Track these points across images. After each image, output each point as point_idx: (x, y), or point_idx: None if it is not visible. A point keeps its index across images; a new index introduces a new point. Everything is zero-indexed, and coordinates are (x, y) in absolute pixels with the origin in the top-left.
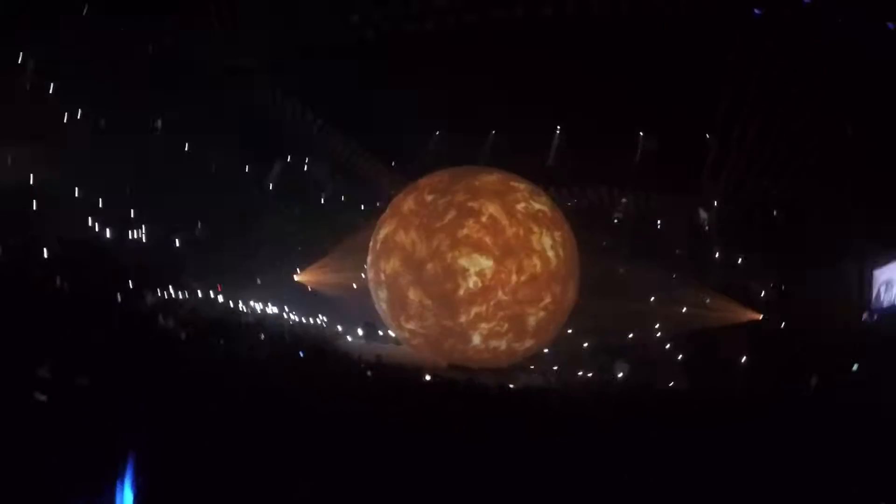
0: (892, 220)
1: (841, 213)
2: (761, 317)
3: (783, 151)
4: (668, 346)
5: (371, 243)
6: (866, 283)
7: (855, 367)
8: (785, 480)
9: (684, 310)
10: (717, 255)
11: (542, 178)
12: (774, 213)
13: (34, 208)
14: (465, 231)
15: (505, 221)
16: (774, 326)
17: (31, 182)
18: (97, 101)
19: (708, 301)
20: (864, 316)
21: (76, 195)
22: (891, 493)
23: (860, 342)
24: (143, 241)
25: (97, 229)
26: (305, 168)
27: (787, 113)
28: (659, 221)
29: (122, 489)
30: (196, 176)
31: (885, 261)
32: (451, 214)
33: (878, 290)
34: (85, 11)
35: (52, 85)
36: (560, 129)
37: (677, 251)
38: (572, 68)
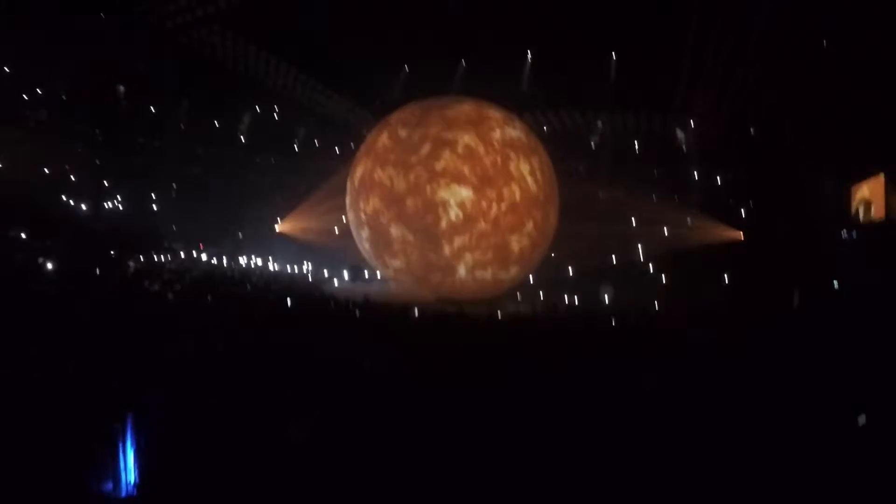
0: (870, 136)
1: (819, 129)
2: (742, 235)
3: (759, 68)
4: (650, 266)
5: (348, 184)
6: (845, 199)
7: (835, 284)
8: (770, 401)
9: (665, 231)
10: (695, 174)
11: (515, 105)
12: (752, 130)
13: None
14: (441, 163)
15: (481, 150)
16: (755, 244)
17: None
18: (54, 72)
19: (689, 221)
20: (843, 233)
21: (46, 172)
22: (867, 407)
23: (839, 259)
24: (119, 209)
25: (71, 203)
26: (275, 116)
27: (763, 28)
28: (636, 143)
29: (125, 455)
30: (164, 135)
31: (863, 177)
32: (427, 147)
33: (857, 208)
34: None
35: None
36: (531, 54)
37: (655, 172)
38: None
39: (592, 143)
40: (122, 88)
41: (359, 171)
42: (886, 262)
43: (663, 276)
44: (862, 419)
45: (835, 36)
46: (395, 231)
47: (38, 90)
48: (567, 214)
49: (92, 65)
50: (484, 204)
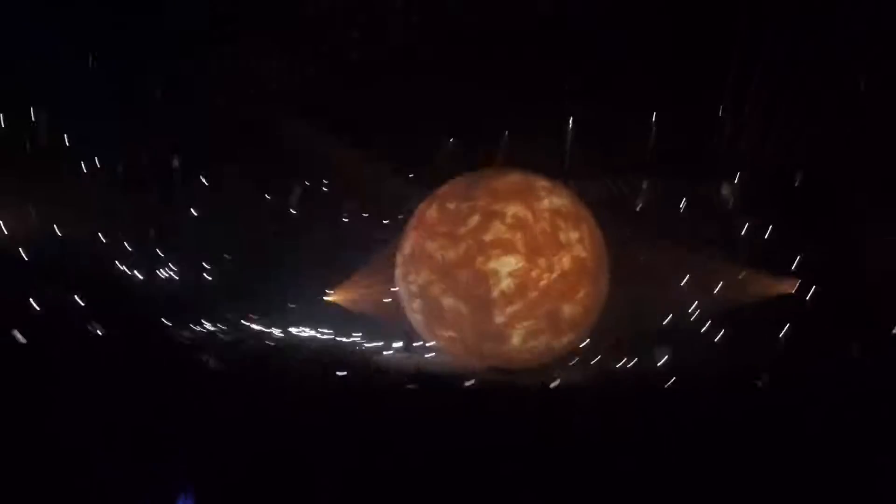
0: None
1: (867, 175)
2: (795, 288)
3: (800, 118)
4: (705, 326)
5: (398, 257)
6: None
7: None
8: (837, 451)
9: (717, 289)
10: (744, 230)
11: (560, 174)
12: (797, 181)
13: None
14: (491, 234)
15: (530, 220)
16: (810, 297)
17: (57, 231)
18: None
19: (741, 277)
20: None
21: (102, 239)
22: None
23: None
24: (174, 277)
25: (127, 271)
26: (324, 188)
27: (800, 79)
28: (682, 203)
29: None
30: (216, 206)
31: None
32: (476, 219)
33: None
34: None
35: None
36: (572, 122)
37: (703, 231)
38: (578, 56)
39: (638, 207)
40: (177, 161)
41: (408, 244)
42: None
43: (717, 334)
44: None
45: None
46: (445, 302)
47: (96, 161)
48: (618, 279)
49: (149, 138)
50: (534, 273)
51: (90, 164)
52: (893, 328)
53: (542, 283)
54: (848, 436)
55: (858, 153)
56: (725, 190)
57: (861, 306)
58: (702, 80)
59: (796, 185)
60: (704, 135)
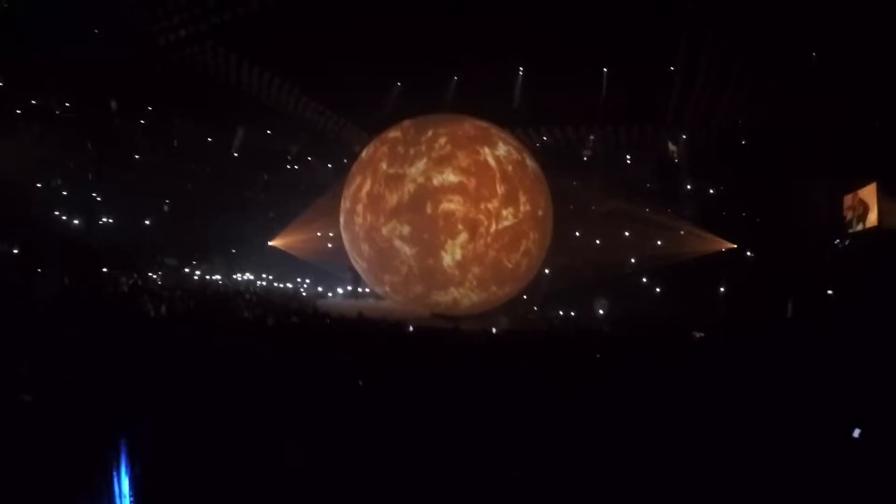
0: (863, 145)
1: (810, 140)
2: (736, 245)
3: (749, 79)
4: (644, 279)
5: (342, 202)
6: (837, 208)
7: (829, 291)
8: (764, 404)
9: (659, 242)
10: (688, 186)
11: (508, 121)
12: (743, 142)
13: None
14: (439, 179)
15: (479, 168)
16: (749, 254)
17: None
18: (48, 85)
19: (682, 233)
20: (836, 241)
21: (38, 186)
22: (860, 406)
23: (833, 266)
24: (112, 223)
25: (64, 218)
26: (269, 132)
27: (752, 40)
28: (628, 156)
29: (120, 481)
30: (157, 151)
31: (854, 186)
32: (423, 164)
33: (849, 216)
34: None
35: None
36: (523, 70)
37: (648, 185)
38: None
39: (585, 157)
40: (114, 103)
41: (354, 187)
42: (879, 270)
43: (658, 287)
44: (856, 432)
45: (827, 46)
46: (390, 247)
47: (32, 102)
48: (561, 228)
49: (86, 78)
50: (482, 220)
51: (25, 105)
52: (828, 289)
53: (491, 231)
54: (777, 389)
55: (806, 120)
56: (672, 146)
57: (798, 267)
58: (657, 37)
59: (742, 144)
60: (656, 90)
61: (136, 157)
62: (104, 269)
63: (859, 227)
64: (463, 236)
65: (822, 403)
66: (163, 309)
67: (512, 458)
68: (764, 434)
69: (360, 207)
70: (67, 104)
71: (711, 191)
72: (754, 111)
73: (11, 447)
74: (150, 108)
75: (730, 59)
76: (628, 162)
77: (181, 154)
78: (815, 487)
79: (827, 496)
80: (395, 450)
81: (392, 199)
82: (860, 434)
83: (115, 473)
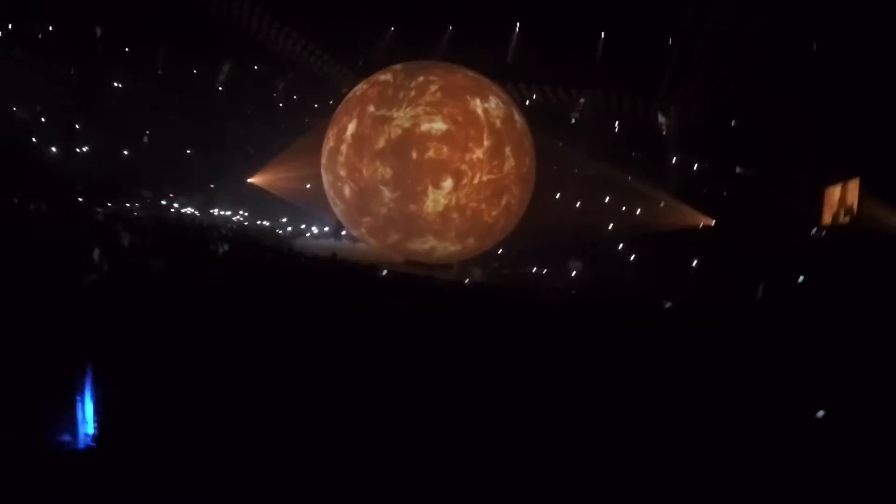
0: (850, 140)
1: (800, 129)
2: (714, 222)
3: (745, 62)
4: (620, 245)
5: (325, 141)
6: (818, 199)
7: (800, 278)
8: (730, 382)
9: (638, 211)
10: (673, 159)
11: (499, 75)
12: (733, 122)
13: None
14: (426, 126)
15: (465, 118)
16: (726, 232)
17: None
18: (29, 9)
19: (662, 204)
20: (814, 231)
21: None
22: (826, 394)
23: (807, 255)
24: (90, 152)
25: (42, 145)
26: (254, 67)
27: (752, 23)
28: (616, 123)
29: (84, 406)
30: (141, 81)
31: (838, 180)
32: (412, 109)
33: (831, 210)
34: None
35: None
36: (519, 26)
37: (633, 153)
38: None
39: (573, 119)
40: (98, 29)
41: (337, 129)
42: (854, 264)
43: (631, 254)
44: (820, 413)
45: (821, 38)
46: (369, 190)
47: (9, 26)
48: (542, 187)
49: (71, 3)
50: (466, 170)
51: (5, 29)
52: (800, 276)
53: (474, 182)
54: (740, 370)
55: (797, 109)
56: (662, 118)
57: (772, 251)
58: (659, 9)
59: (732, 125)
60: (650, 62)
61: (118, 85)
62: (80, 199)
63: (839, 221)
64: (446, 185)
65: (786, 390)
66: (137, 239)
67: (470, 409)
68: (729, 418)
69: (343, 147)
70: (51, 28)
71: (696, 166)
72: (747, 93)
73: None
74: (135, 36)
75: (728, 38)
76: (616, 129)
77: (165, 84)
78: (782, 474)
79: (794, 483)
80: (361, 387)
81: (377, 142)
82: (823, 415)
83: (79, 397)
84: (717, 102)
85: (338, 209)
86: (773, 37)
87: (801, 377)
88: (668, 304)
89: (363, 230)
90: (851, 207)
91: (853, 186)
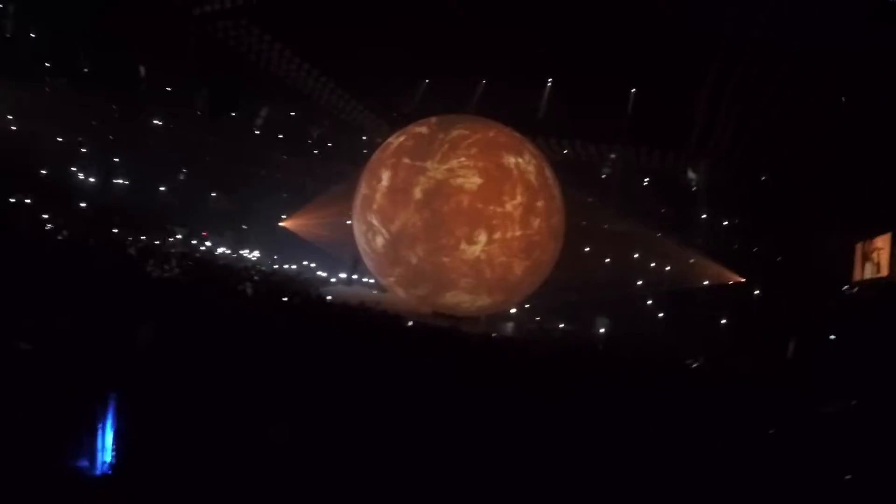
0: (881, 194)
1: (828, 185)
2: (744, 280)
3: (775, 119)
4: (649, 301)
5: (358, 189)
6: (848, 255)
7: (832, 337)
8: (761, 438)
9: (668, 268)
10: (703, 216)
11: (531, 130)
12: (763, 178)
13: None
14: (460, 179)
15: (500, 173)
16: (756, 290)
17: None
18: (75, 46)
19: (692, 261)
20: (845, 287)
21: (59, 140)
22: (862, 457)
23: (839, 312)
24: (127, 185)
25: (81, 175)
26: (292, 114)
27: (782, 79)
28: (646, 179)
29: (104, 434)
30: (181, 121)
31: (868, 235)
32: (447, 162)
33: (861, 264)
34: None
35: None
36: (552, 82)
37: (663, 210)
38: (568, 21)
39: (603, 175)
40: (143, 69)
41: (372, 177)
42: (885, 320)
43: (660, 312)
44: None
45: (851, 92)
46: (400, 241)
47: (61, 58)
48: (572, 242)
49: (117, 41)
50: (498, 225)
51: (55, 61)
52: (830, 334)
53: (506, 237)
54: (766, 433)
55: (827, 164)
56: (692, 174)
57: (803, 309)
58: (687, 63)
59: (762, 180)
60: (681, 116)
61: (158, 122)
62: (114, 231)
63: (869, 276)
64: (477, 239)
65: (817, 453)
66: (167, 274)
67: (491, 463)
68: (755, 480)
69: (377, 196)
70: (97, 64)
71: (725, 223)
72: (777, 149)
73: (4, 392)
74: (177, 77)
75: (758, 94)
76: (645, 185)
77: (203, 125)
78: None
79: None
80: (382, 438)
81: (411, 193)
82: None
83: (100, 426)
84: (747, 158)
85: (368, 258)
86: (802, 94)
87: (833, 440)
88: (695, 364)
89: (392, 279)
90: (882, 262)
91: (884, 241)
